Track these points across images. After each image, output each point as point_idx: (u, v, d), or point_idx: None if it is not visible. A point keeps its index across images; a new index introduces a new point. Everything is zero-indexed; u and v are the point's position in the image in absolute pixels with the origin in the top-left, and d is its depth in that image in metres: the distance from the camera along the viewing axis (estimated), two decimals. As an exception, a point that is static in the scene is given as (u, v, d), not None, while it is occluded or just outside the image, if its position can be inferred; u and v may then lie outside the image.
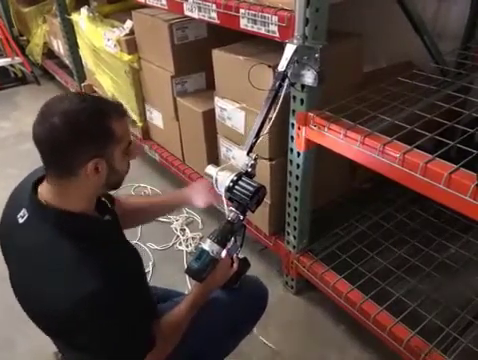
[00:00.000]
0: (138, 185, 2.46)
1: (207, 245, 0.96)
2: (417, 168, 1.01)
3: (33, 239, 0.88)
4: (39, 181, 0.93)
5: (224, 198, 1.04)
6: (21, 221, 0.90)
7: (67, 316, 0.83)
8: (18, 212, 0.91)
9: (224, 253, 1.00)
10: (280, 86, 1.12)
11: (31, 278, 0.88)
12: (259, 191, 1.01)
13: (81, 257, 0.84)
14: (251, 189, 1.00)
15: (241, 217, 1.01)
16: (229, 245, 1.01)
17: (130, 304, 0.89)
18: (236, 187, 1.01)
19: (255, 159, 1.07)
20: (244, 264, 1.15)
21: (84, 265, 0.83)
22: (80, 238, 0.86)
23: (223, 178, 1.05)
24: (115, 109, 0.89)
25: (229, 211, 1.02)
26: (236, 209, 1.01)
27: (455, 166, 0.98)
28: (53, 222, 0.87)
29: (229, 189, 1.02)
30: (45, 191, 0.90)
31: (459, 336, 1.30)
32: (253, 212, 1.03)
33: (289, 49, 1.13)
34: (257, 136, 1.10)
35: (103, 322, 0.84)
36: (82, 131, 0.83)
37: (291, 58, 1.13)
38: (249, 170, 1.06)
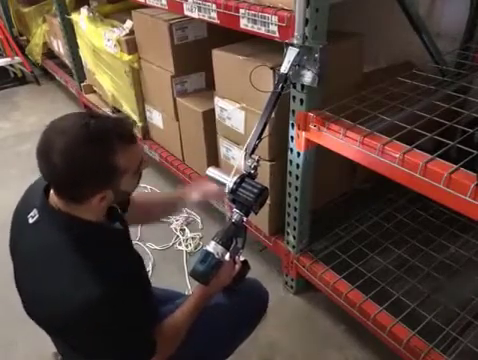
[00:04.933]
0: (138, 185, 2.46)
1: (212, 247, 0.95)
2: (417, 168, 1.01)
3: (40, 241, 0.88)
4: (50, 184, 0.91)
5: (227, 199, 1.04)
6: (31, 221, 0.89)
7: (67, 321, 0.82)
8: (29, 211, 0.90)
9: (228, 255, 1.00)
10: (282, 88, 1.12)
11: (33, 279, 0.88)
12: (263, 192, 1.01)
13: (85, 263, 0.83)
14: (255, 191, 1.00)
15: (244, 218, 1.01)
16: (231, 247, 1.01)
17: (132, 312, 0.88)
18: (240, 189, 1.01)
19: (257, 161, 1.07)
20: (245, 266, 1.14)
21: (87, 271, 0.82)
22: (87, 244, 0.86)
23: (225, 180, 1.05)
24: (120, 137, 0.82)
25: (232, 213, 1.01)
26: (239, 210, 1.01)
27: (455, 166, 0.97)
28: (62, 227, 0.86)
29: (232, 191, 1.02)
30: (54, 198, 0.88)
31: (459, 336, 1.29)
32: (256, 214, 1.03)
33: (292, 52, 1.13)
34: (259, 137, 1.10)
35: (103, 329, 0.84)
36: (83, 173, 0.79)
37: (293, 61, 1.13)
38: (252, 171, 1.06)
